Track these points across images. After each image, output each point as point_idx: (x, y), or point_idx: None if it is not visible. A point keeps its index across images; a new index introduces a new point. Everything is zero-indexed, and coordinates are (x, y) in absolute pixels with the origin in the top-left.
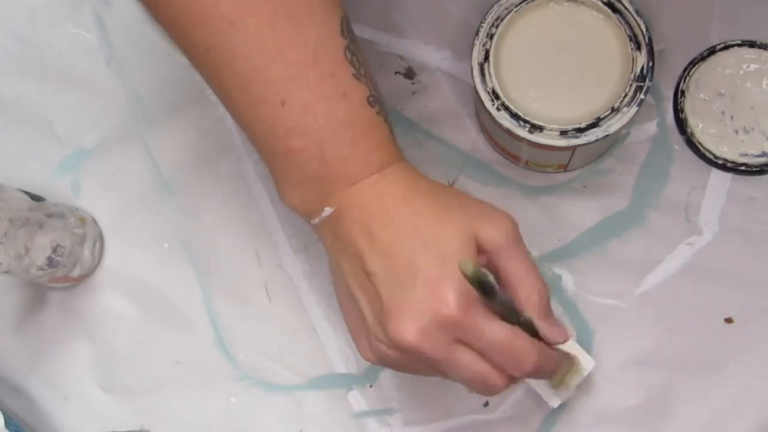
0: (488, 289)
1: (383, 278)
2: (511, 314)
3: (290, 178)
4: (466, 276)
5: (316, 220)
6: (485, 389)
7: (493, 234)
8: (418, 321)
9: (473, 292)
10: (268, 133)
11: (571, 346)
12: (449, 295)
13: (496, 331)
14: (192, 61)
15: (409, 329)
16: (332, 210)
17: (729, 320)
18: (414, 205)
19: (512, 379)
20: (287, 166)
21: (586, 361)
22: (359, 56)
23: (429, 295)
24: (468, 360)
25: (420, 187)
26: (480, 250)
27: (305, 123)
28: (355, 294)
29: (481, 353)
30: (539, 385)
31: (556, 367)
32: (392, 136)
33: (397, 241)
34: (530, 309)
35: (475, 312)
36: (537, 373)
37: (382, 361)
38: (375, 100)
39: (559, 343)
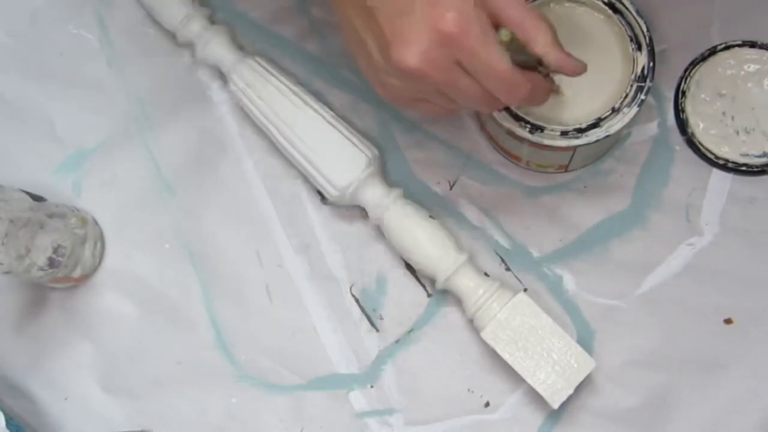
0: (520, 47)
1: (383, 9)
2: (528, 60)
3: None
4: (503, 42)
5: None
6: (483, 109)
7: None
8: (419, 44)
9: (472, 13)
10: None
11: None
12: (447, 12)
13: (493, 56)
14: None
15: (410, 53)
16: None
17: (729, 321)
18: None
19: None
20: None
21: (586, 361)
22: None
23: (427, 14)
24: (467, 84)
25: None
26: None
27: None
28: (361, 34)
29: (478, 78)
30: (539, 385)
31: (545, 97)
32: None
33: None
34: (542, 47)
35: (474, 33)
36: (530, 101)
37: (393, 95)
38: None
39: (577, 73)
